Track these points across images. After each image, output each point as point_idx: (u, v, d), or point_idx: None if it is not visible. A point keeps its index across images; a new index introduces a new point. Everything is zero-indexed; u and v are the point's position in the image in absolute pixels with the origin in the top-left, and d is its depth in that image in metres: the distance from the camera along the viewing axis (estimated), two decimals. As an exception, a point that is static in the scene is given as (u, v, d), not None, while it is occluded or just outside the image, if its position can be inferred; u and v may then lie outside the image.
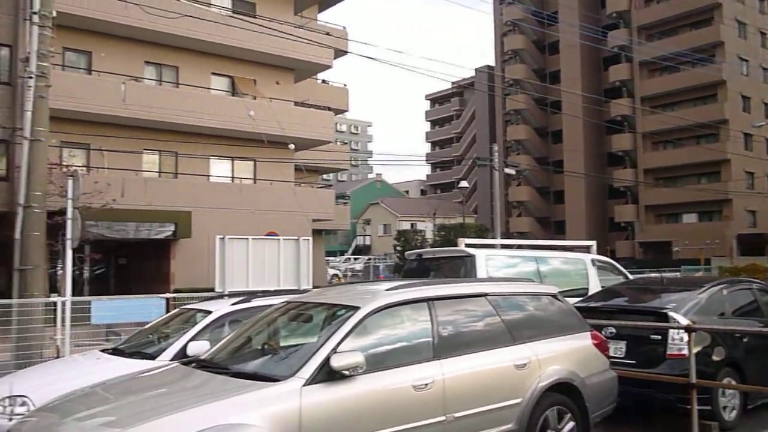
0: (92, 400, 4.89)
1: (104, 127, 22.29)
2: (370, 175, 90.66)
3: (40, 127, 11.03)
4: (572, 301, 7.80)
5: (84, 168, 21.69)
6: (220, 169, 25.84)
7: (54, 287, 18.44)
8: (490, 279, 9.06)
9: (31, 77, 11.08)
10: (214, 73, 25.93)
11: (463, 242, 12.42)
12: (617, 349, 7.53)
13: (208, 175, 25.23)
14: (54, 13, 11.42)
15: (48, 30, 11.28)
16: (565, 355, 6.20)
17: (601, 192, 56.22)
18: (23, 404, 5.87)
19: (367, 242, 71.21)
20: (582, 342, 6.48)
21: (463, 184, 38.97)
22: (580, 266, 12.36)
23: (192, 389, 4.89)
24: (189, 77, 25.09)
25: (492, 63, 66.53)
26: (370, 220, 71.28)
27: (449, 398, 5.20)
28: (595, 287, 11.67)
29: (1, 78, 21.90)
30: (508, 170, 37.54)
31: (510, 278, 8.78)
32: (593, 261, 12.65)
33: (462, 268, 10.82)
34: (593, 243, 14.74)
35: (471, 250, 11.12)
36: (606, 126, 51.15)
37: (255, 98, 25.77)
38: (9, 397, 5.90)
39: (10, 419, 5.47)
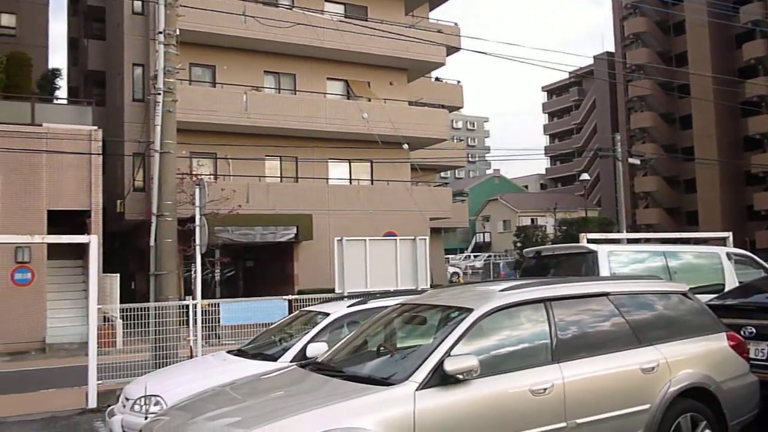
0: (220, 400, 5.09)
1: (228, 136, 23.38)
2: (488, 171, 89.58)
3: (169, 139, 11.69)
4: (706, 298, 7.29)
5: (211, 176, 22.84)
6: (338, 171, 26.41)
7: (188, 290, 19.54)
8: (613, 277, 8.65)
9: (159, 93, 11.76)
10: (329, 78, 26.56)
11: (584, 237, 11.95)
12: (759, 350, 6.94)
13: (327, 178, 25.85)
14: (177, 32, 12.07)
15: (173, 48, 11.93)
16: (698, 357, 5.78)
17: (738, 178, 52.38)
18: (157, 403, 6.23)
19: (487, 239, 70.40)
20: (717, 343, 6.03)
21: (585, 176, 37.65)
22: (714, 260, 11.53)
23: (307, 392, 4.97)
24: (305, 83, 25.85)
25: (611, 49, 63.81)
26: (489, 217, 70.43)
27: (570, 404, 4.99)
28: (731, 283, 10.85)
29: (135, 95, 23.52)
30: (632, 160, 35.90)
31: (634, 276, 8.31)
32: (729, 254, 11.77)
33: (583, 265, 10.38)
34: (729, 234, 13.78)
35: (592, 246, 10.66)
36: (741, 108, 47.65)
37: (369, 100, 26.12)
38: (144, 396, 6.28)
39: (146, 417, 5.81)
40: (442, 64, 29.02)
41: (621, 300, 5.79)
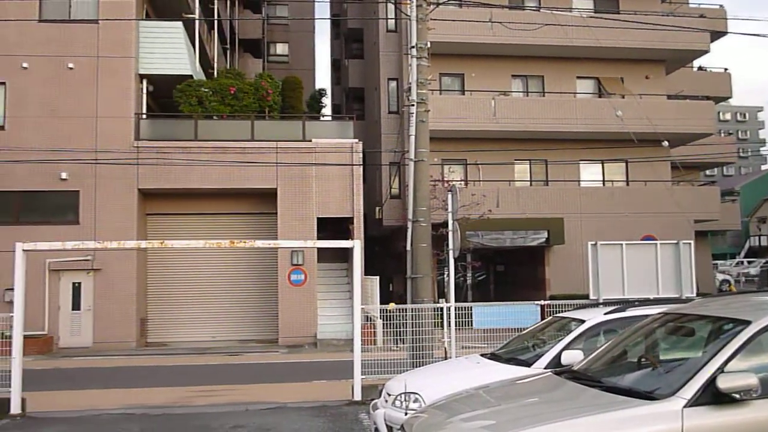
0: (475, 403, 5.17)
1: (478, 142, 23.74)
2: (763, 167, 79.80)
3: (422, 148, 12.23)
4: None
5: (462, 182, 23.39)
6: (589, 173, 25.45)
7: (441, 293, 20.19)
8: None
9: (412, 104, 12.36)
10: (579, 77, 25.73)
11: None
12: None
13: (578, 181, 25.03)
14: (428, 44, 12.60)
15: (424, 60, 12.48)
16: None
17: None
18: (416, 400, 6.53)
19: (763, 243, 62.66)
20: None
21: None
22: None
23: (563, 401, 4.85)
24: (554, 85, 25.33)
25: None
26: (766, 218, 62.65)
27: None
28: None
29: (390, 108, 24.95)
30: None
31: None
32: None
33: None
34: None
35: None
36: None
37: (623, 96, 24.79)
38: (404, 393, 6.62)
39: (405, 413, 6.12)
40: (706, 52, 26.53)
41: None
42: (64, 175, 19.45)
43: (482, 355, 7.80)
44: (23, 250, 10.09)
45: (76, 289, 19.65)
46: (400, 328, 12.01)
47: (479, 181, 24.12)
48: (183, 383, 13.08)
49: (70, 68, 19.79)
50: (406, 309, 11.66)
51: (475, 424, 4.61)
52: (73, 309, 19.62)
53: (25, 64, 19.65)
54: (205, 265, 21.01)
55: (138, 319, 19.87)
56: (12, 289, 18.53)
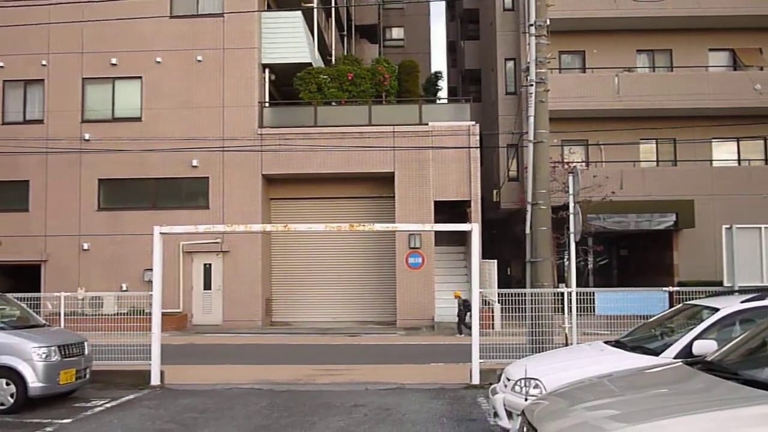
0: (599, 391, 5.02)
1: (599, 121, 22.84)
2: None
3: (542, 129, 11.92)
4: None
5: (583, 163, 22.62)
6: (722, 151, 23.88)
7: (562, 278, 19.71)
8: None
9: (531, 85, 12.07)
10: (711, 49, 24.10)
11: None
12: None
13: (710, 160, 23.55)
14: (548, 22, 12.22)
15: (544, 38, 12.12)
16: None
17: None
18: (536, 386, 6.42)
19: None
20: None
21: None
22: None
23: (696, 393, 4.60)
24: (683, 58, 23.87)
25: None
26: None
27: None
28: None
29: (508, 89, 24.49)
30: None
31: None
32: None
33: None
34: None
35: None
36: None
37: (761, 69, 23.01)
38: (525, 379, 6.52)
39: (525, 399, 6.03)
40: None
41: None
42: (195, 163, 20.60)
43: (606, 342, 7.53)
44: (160, 233, 10.79)
45: (207, 270, 20.83)
46: (518, 312, 11.84)
47: (601, 162, 23.23)
48: (306, 361, 13.57)
49: (199, 61, 20.86)
50: (525, 294, 11.47)
51: (599, 413, 4.48)
52: (204, 289, 20.83)
53: (158, 59, 20.91)
54: (326, 248, 21.61)
55: (263, 299, 20.79)
56: (150, 270, 19.97)
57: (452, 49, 40.42)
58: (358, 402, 9.32)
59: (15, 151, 20.58)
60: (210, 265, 20.85)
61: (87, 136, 20.92)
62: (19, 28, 19.78)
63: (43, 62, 21.18)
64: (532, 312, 11.11)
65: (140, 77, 21.12)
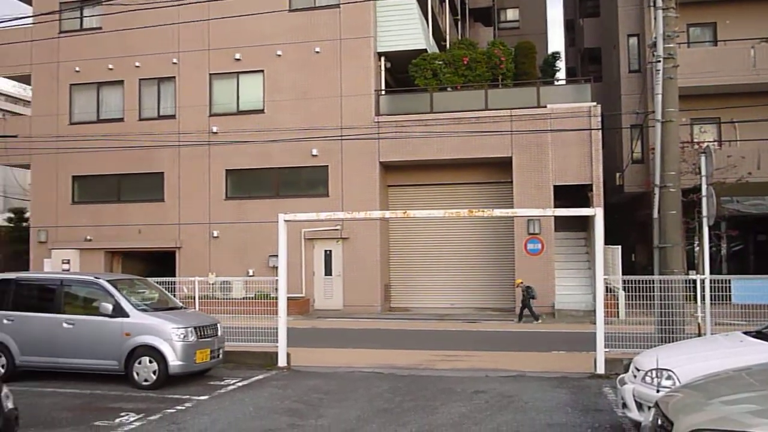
0: (738, 385, 4.77)
1: (733, 97, 21.33)
2: None
3: (670, 107, 11.30)
4: None
5: (715, 143, 21.28)
6: None
7: (691, 264, 18.70)
8: None
9: (658, 61, 11.45)
10: None
11: None
12: None
13: None
14: (676, -6, 11.54)
15: (671, 11, 11.46)
16: None
17: None
18: (669, 378, 6.13)
19: None
20: None
21: None
22: None
23: None
24: (830, 25, 21.80)
25: None
26: None
27: None
28: None
29: (631, 66, 23.40)
30: None
31: None
32: None
33: None
34: None
35: None
36: None
37: None
38: (656, 369, 6.25)
39: (657, 390, 5.78)
40: None
41: None
42: (314, 152, 21.18)
43: (745, 332, 7.08)
44: (285, 220, 11.21)
45: (328, 256, 21.42)
46: (645, 300, 11.34)
47: (736, 141, 21.71)
48: (425, 347, 13.67)
49: (317, 52, 21.38)
50: (653, 281, 10.97)
51: (737, 408, 4.26)
52: (325, 274, 21.45)
53: (278, 52, 21.63)
54: (443, 234, 21.62)
55: (382, 285, 21.13)
56: (274, 256, 20.75)
57: (570, 27, 39.08)
58: (479, 388, 9.29)
59: (151, 145, 22.02)
60: (330, 251, 21.42)
61: (215, 129, 22.02)
62: (152, 29, 21.06)
63: (174, 60, 22.47)
64: (661, 300, 10.61)
65: (262, 71, 21.93)
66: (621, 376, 7.19)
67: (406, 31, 21.72)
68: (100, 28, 23.04)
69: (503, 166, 20.57)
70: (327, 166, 21.32)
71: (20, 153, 23.38)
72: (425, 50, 22.01)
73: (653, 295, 10.89)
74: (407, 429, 7.22)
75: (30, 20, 22.92)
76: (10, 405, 5.55)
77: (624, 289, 14.75)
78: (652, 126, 12.14)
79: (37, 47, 23.26)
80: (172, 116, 22.59)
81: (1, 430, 5.32)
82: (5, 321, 10.19)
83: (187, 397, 8.91)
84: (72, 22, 23.59)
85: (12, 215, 30.63)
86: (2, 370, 9.95)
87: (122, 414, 7.95)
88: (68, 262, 22.81)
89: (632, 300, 12.38)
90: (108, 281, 10.20)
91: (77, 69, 23.28)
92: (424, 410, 8.07)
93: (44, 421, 7.64)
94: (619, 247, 18.28)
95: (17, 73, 25.10)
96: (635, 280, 11.42)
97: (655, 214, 11.44)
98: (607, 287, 14.83)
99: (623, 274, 16.77)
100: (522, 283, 18.48)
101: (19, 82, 28.68)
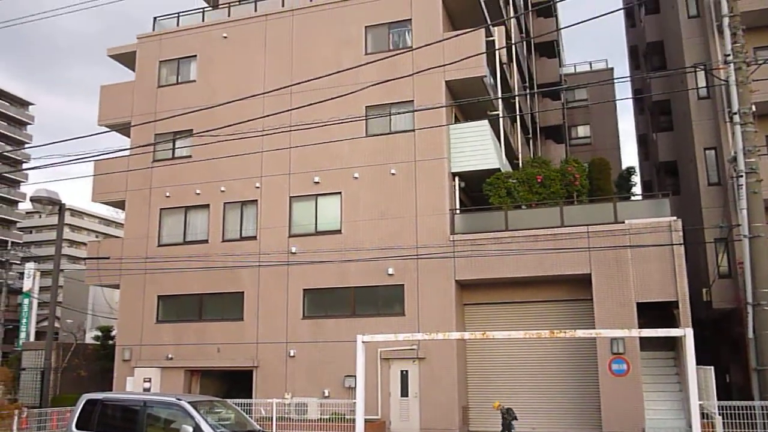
0: None
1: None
2: None
3: (757, 222, 11.02)
4: None
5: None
6: None
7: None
8: None
9: (740, 176, 11.28)
10: None
11: None
12: None
13: None
14: (753, 108, 11.51)
15: (750, 126, 11.40)
16: None
17: None
18: None
19: None
20: None
21: None
22: None
23: None
24: None
25: None
26: None
27: None
28: None
29: (710, 179, 22.95)
30: None
31: None
32: None
33: None
34: None
35: None
36: None
37: None
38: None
39: None
40: None
41: None
42: (390, 271, 21.36)
43: None
44: (363, 341, 11.19)
45: (404, 376, 21.03)
46: (746, 429, 10.55)
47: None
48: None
49: (393, 174, 22.04)
50: (753, 407, 10.24)
51: None
52: (401, 395, 20.97)
53: (356, 174, 22.42)
54: (522, 354, 21.00)
55: (460, 406, 20.46)
56: (350, 376, 20.55)
57: (643, 142, 39.07)
58: None
59: (232, 265, 22.77)
60: (407, 371, 21.05)
61: (294, 249, 22.64)
62: (237, 156, 22.35)
63: (257, 185, 23.59)
64: (765, 429, 9.85)
65: (340, 192, 22.69)
66: None
67: (480, 151, 22.22)
68: (189, 156, 24.62)
69: (582, 283, 20.13)
70: (403, 285, 21.39)
71: (112, 274, 24.58)
72: (499, 169, 22.37)
73: (755, 423, 10.14)
74: None
75: (127, 151, 24.75)
76: None
77: (721, 415, 13.76)
78: (738, 239, 11.78)
79: (132, 175, 24.96)
80: (254, 237, 23.42)
81: None
82: (90, 441, 10.38)
83: None
84: (165, 152, 25.32)
85: (99, 333, 31.81)
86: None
87: None
88: (149, 380, 23.24)
89: (731, 428, 11.54)
90: (189, 403, 10.32)
91: (167, 194, 24.72)
92: None
93: None
94: (712, 367, 17.22)
95: (113, 199, 26.80)
96: (734, 405, 10.69)
97: (750, 334, 10.87)
98: (703, 413, 13.89)
99: (718, 397, 15.68)
100: (501, 405, 17.56)
101: (114, 207, 30.54)
